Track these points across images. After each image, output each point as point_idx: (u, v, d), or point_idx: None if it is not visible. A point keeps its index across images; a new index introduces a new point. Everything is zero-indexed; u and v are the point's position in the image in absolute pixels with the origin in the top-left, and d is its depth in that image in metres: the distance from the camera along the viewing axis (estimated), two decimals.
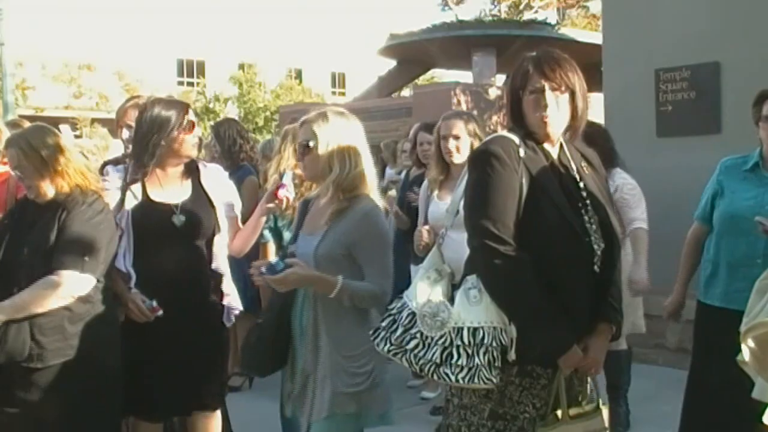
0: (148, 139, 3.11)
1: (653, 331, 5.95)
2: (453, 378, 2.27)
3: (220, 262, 3.31)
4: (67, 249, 2.84)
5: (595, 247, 2.38)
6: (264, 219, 3.38)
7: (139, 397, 3.14)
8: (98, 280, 2.91)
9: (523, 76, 2.39)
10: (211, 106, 24.58)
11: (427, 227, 4.03)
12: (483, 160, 2.36)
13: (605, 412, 2.47)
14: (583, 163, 2.51)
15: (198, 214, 3.20)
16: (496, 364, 2.26)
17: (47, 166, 2.90)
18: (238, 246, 3.43)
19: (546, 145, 2.43)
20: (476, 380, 2.25)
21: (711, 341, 3.44)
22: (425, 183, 4.38)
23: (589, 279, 2.37)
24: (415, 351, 2.33)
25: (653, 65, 6.16)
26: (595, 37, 13.10)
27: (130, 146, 3.54)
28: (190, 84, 31.12)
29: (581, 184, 2.44)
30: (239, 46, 30.67)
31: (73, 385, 2.85)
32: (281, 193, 3.11)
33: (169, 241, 3.15)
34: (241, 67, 28.11)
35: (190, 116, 3.20)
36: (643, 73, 6.20)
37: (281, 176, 3.28)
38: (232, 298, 3.32)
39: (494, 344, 2.26)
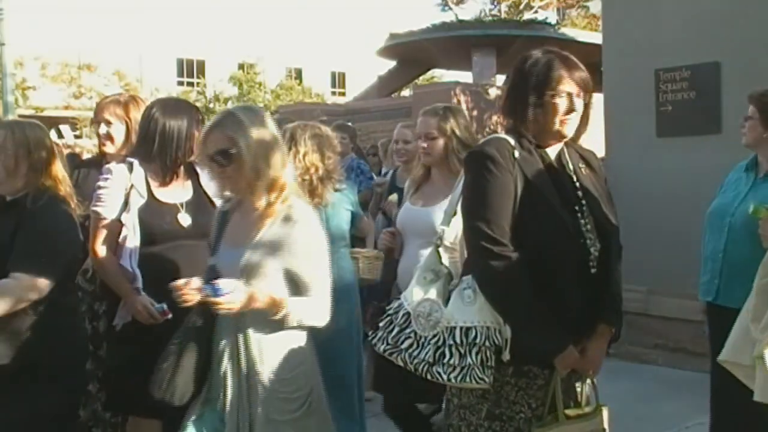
0: (171, 142, 3.14)
1: (653, 331, 5.96)
2: (445, 377, 2.28)
3: None
4: (25, 251, 2.74)
5: (591, 248, 2.38)
6: None
7: (139, 396, 3.15)
8: (58, 284, 2.80)
9: (553, 77, 2.38)
10: (211, 106, 24.55)
11: (391, 229, 3.69)
12: (478, 162, 2.37)
13: (605, 413, 2.47)
14: (581, 164, 2.51)
15: (202, 213, 3.22)
16: (489, 364, 2.27)
17: (27, 159, 2.84)
18: None
19: (548, 148, 2.44)
20: (468, 379, 2.26)
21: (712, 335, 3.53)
22: (407, 183, 4.13)
23: (586, 280, 2.37)
24: (410, 350, 2.35)
25: (653, 65, 6.16)
26: (595, 37, 13.10)
27: (108, 143, 3.55)
28: (190, 84, 31.11)
29: (578, 185, 2.45)
30: (239, 45, 30.66)
31: (28, 390, 2.75)
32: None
33: (175, 241, 3.16)
34: (241, 67, 28.11)
35: (201, 115, 3.26)
36: (643, 73, 6.20)
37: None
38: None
39: (487, 344, 2.27)
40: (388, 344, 2.41)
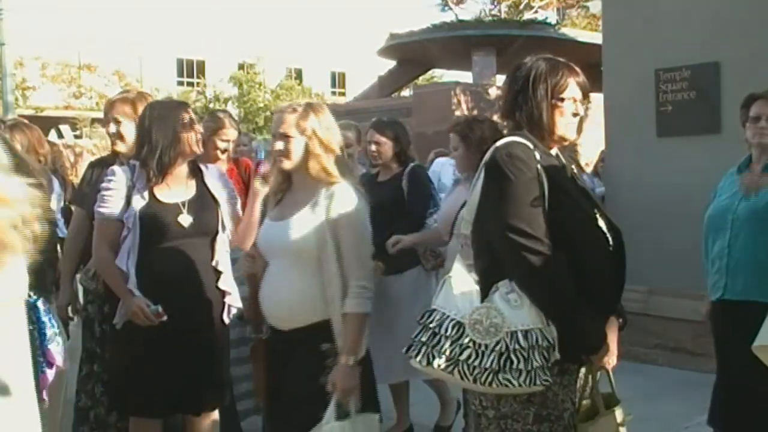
0: (159, 149, 3.14)
1: (653, 331, 5.96)
2: (515, 383, 2.23)
3: (222, 260, 3.33)
4: None
5: (611, 242, 2.47)
6: (258, 212, 3.33)
7: (139, 396, 3.16)
8: None
9: (561, 83, 2.44)
10: (211, 106, 24.55)
11: (251, 252, 3.18)
12: (507, 163, 2.36)
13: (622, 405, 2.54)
14: (573, 166, 2.60)
15: (204, 213, 3.25)
16: (549, 365, 2.26)
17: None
18: (238, 241, 3.43)
19: (551, 149, 2.51)
20: (537, 382, 2.23)
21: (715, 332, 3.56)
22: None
23: (611, 275, 2.46)
24: (469, 361, 2.27)
25: (653, 65, 6.16)
26: (595, 37, 13.11)
27: (119, 142, 3.57)
28: (190, 84, 31.12)
29: (580, 184, 2.54)
30: (239, 45, 30.67)
31: None
32: (262, 169, 3.25)
33: (176, 240, 3.18)
34: (241, 67, 28.12)
35: (190, 114, 3.24)
36: (643, 73, 6.20)
37: (255, 152, 3.32)
38: (232, 296, 3.34)
39: (545, 345, 2.26)
40: (440, 358, 2.31)
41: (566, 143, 2.54)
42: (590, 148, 8.67)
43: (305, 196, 2.87)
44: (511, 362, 2.24)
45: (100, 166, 3.71)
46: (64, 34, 26.71)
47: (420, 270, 4.40)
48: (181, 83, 31.85)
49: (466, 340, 2.28)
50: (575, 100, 2.46)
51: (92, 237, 3.34)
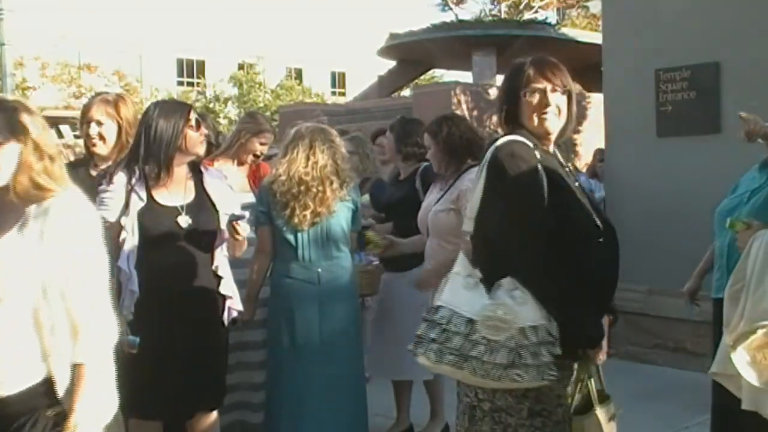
0: (158, 148, 3.13)
1: (653, 331, 5.96)
2: (526, 377, 2.27)
3: (221, 263, 3.33)
4: None
5: (606, 240, 2.48)
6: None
7: (139, 397, 3.16)
8: None
9: (524, 77, 2.48)
10: (211, 106, 24.54)
11: None
12: (509, 162, 2.39)
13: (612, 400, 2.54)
14: (569, 163, 2.62)
15: (202, 215, 3.24)
16: (554, 360, 2.30)
17: None
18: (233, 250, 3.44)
19: (545, 146, 2.52)
20: (546, 377, 2.27)
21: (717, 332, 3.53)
22: None
23: (606, 271, 2.48)
24: (482, 357, 2.29)
25: (653, 65, 6.15)
26: (595, 37, 13.09)
27: (100, 144, 3.51)
28: (190, 84, 31.11)
29: (576, 183, 2.55)
30: (239, 45, 30.66)
31: None
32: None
33: (174, 243, 3.18)
34: (241, 67, 28.10)
35: (195, 115, 3.23)
36: (643, 73, 6.20)
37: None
38: (234, 300, 3.33)
39: (551, 340, 2.30)
40: (449, 355, 2.33)
41: (551, 137, 2.52)
42: (590, 149, 8.65)
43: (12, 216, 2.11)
44: (521, 357, 2.26)
45: (75, 169, 3.65)
46: (64, 34, 26.70)
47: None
48: (181, 83, 31.83)
49: (476, 336, 2.30)
50: (543, 91, 2.45)
51: None
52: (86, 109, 3.60)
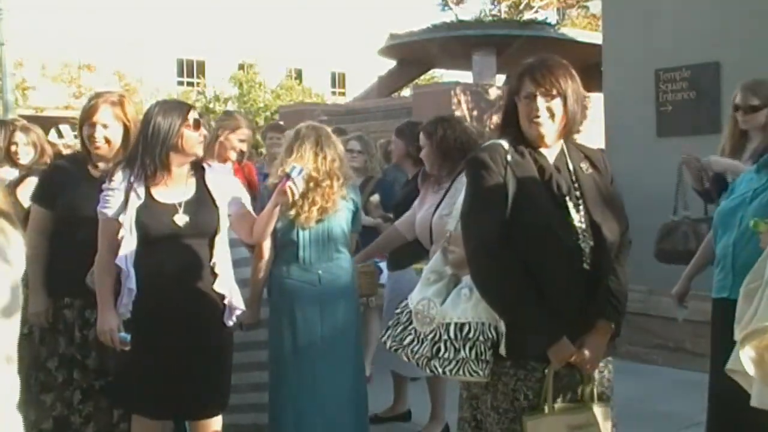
0: (154, 145, 3.13)
1: (653, 331, 5.96)
2: (441, 370, 2.46)
3: (220, 262, 3.31)
4: None
5: (583, 245, 2.45)
6: (278, 209, 3.45)
7: (139, 397, 3.16)
8: None
9: (518, 81, 2.52)
10: (211, 106, 24.54)
11: None
12: (472, 167, 2.53)
13: (599, 409, 2.48)
14: (583, 164, 2.57)
15: (201, 213, 3.21)
16: (484, 358, 2.42)
17: None
18: (257, 234, 3.50)
19: (542, 149, 2.52)
20: (462, 372, 2.42)
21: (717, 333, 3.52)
22: None
23: (578, 277, 2.45)
24: (411, 346, 2.56)
25: (653, 65, 6.16)
26: (595, 37, 13.10)
27: (105, 147, 3.47)
28: (190, 84, 31.10)
29: (576, 185, 2.51)
30: (239, 45, 30.67)
31: None
32: (288, 185, 3.31)
33: (171, 241, 3.16)
34: (241, 67, 28.10)
35: (194, 115, 3.22)
36: (643, 73, 6.21)
37: (287, 173, 3.39)
38: (233, 298, 3.32)
39: (481, 338, 2.42)
40: (393, 341, 2.62)
41: (545, 140, 2.50)
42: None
43: None
44: (440, 351, 2.46)
45: (76, 165, 3.58)
46: (64, 34, 26.71)
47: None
48: (181, 83, 31.83)
49: (411, 327, 2.59)
50: (534, 96, 2.46)
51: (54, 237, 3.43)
52: (91, 112, 3.46)
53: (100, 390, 3.39)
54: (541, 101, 2.46)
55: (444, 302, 2.52)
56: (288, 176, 3.34)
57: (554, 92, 2.46)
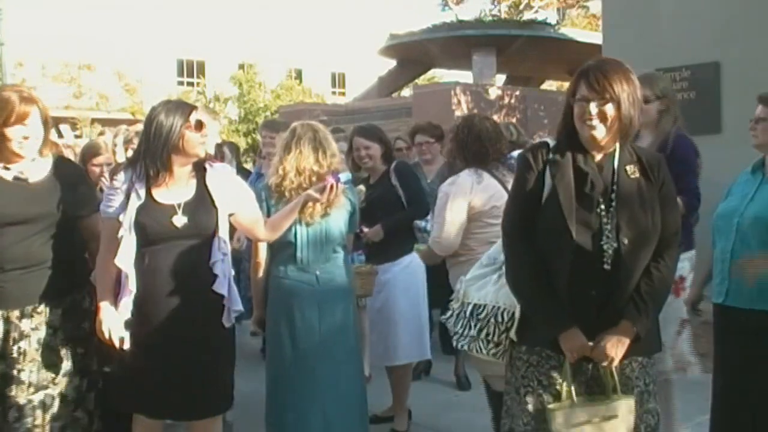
0: (155, 145, 3.13)
1: None
2: (459, 343, 2.81)
3: (218, 263, 3.30)
4: None
5: (606, 246, 2.51)
6: (298, 207, 3.56)
7: (139, 397, 3.16)
8: None
9: (574, 83, 2.58)
10: (211, 106, 24.53)
11: None
12: (517, 163, 2.73)
13: (623, 402, 2.54)
14: (630, 167, 2.60)
15: (199, 214, 3.21)
16: (492, 339, 2.69)
17: None
18: (277, 231, 3.56)
19: (595, 152, 2.58)
20: (470, 348, 2.76)
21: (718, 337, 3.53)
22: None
23: (596, 276, 2.51)
24: (450, 320, 2.90)
25: (653, 65, 6.16)
26: (595, 37, 13.10)
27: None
28: (190, 84, 31.10)
29: (614, 187, 2.56)
30: (239, 45, 30.66)
31: None
32: (330, 180, 3.48)
33: (170, 242, 3.16)
34: (241, 67, 28.10)
35: (197, 116, 3.21)
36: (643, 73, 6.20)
37: (334, 175, 3.60)
38: (231, 299, 3.31)
39: (492, 321, 2.69)
40: (444, 315, 2.98)
41: (599, 143, 2.55)
42: None
43: None
44: (458, 325, 2.83)
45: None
46: (64, 34, 26.71)
47: (413, 257, 4.57)
48: (181, 83, 31.82)
49: (451, 304, 2.95)
50: (588, 100, 2.50)
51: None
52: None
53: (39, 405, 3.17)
54: (593, 105, 2.50)
55: (476, 284, 2.82)
56: (336, 175, 3.45)
57: (607, 96, 2.49)
